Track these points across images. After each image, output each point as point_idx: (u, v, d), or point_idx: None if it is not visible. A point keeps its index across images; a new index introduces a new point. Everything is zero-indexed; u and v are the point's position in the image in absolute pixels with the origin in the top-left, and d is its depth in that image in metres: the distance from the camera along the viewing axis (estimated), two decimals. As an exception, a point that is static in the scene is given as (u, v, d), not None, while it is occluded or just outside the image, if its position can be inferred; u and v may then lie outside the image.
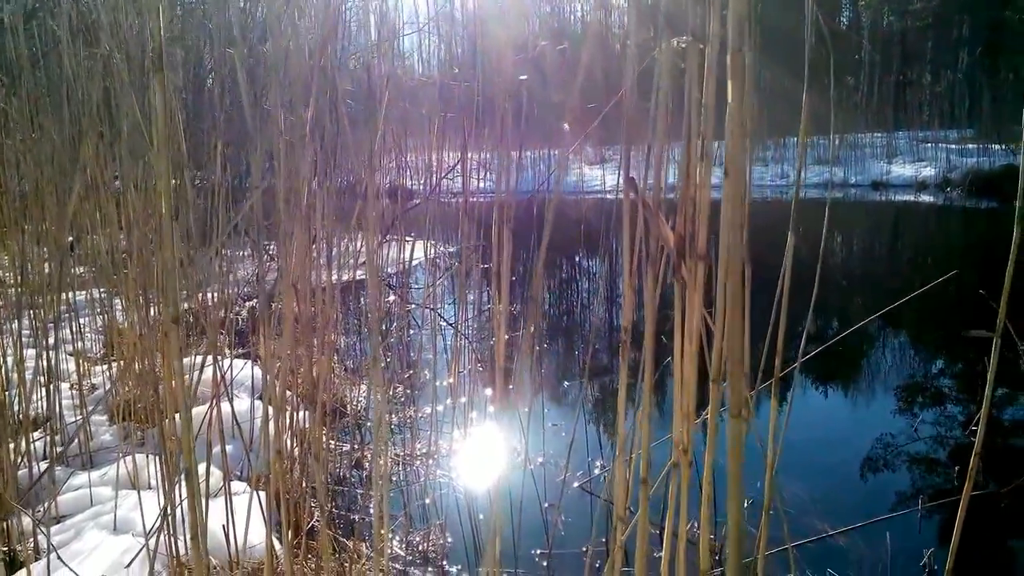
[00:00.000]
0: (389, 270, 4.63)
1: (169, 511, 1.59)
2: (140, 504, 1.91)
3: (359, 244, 3.47)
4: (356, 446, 2.97)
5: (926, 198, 16.43)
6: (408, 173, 4.55)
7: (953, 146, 19.45)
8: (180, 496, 1.69)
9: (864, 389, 4.19)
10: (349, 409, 3.29)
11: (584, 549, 2.25)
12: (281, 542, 1.68)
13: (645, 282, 0.83)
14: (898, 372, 4.50)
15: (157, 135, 0.92)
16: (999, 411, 3.56)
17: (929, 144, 20.49)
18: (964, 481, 1.16)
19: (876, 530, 2.40)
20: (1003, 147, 17.89)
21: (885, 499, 2.66)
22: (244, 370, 3.05)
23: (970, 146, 19.23)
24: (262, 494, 1.78)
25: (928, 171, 18.73)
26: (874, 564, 2.19)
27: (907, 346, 5.14)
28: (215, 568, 1.82)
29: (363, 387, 3.54)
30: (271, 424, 1.18)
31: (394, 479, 2.81)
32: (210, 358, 1.39)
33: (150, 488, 2.28)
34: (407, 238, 5.00)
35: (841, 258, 9.16)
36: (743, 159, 0.62)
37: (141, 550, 1.78)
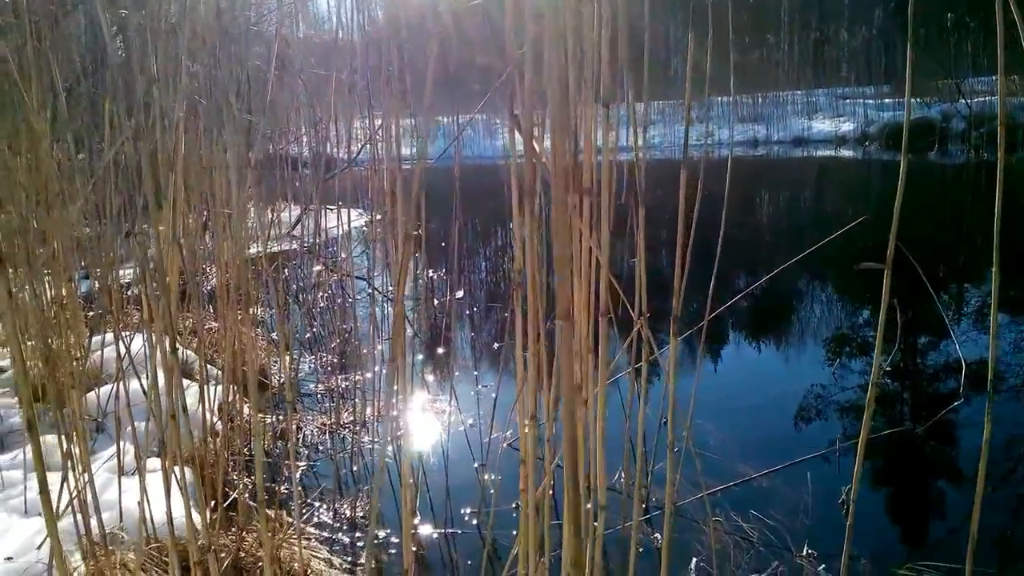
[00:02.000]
0: (312, 240, 4.55)
1: (78, 489, 1.53)
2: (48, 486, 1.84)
3: (279, 214, 3.38)
4: (280, 417, 2.92)
5: (846, 152, 16.88)
6: (329, 142, 4.45)
7: (870, 101, 19.99)
8: (89, 474, 1.64)
9: (788, 336, 4.30)
10: (273, 381, 3.23)
11: (514, 504, 2.27)
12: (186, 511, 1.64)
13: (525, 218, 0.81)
14: (819, 319, 4.63)
15: None
16: (923, 356, 3.69)
17: (847, 100, 21.02)
18: (883, 421, 1.20)
19: (797, 471, 2.47)
20: (917, 100, 18.49)
21: (808, 441, 2.74)
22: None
23: (886, 101, 19.80)
24: (186, 470, 1.74)
25: (847, 126, 19.24)
26: (796, 503, 2.26)
27: (828, 293, 5.30)
28: (131, 544, 1.77)
29: (287, 359, 3.47)
30: (162, 385, 1.14)
31: (321, 448, 2.77)
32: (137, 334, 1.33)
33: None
34: (330, 207, 4.92)
35: (767, 214, 9.36)
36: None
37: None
